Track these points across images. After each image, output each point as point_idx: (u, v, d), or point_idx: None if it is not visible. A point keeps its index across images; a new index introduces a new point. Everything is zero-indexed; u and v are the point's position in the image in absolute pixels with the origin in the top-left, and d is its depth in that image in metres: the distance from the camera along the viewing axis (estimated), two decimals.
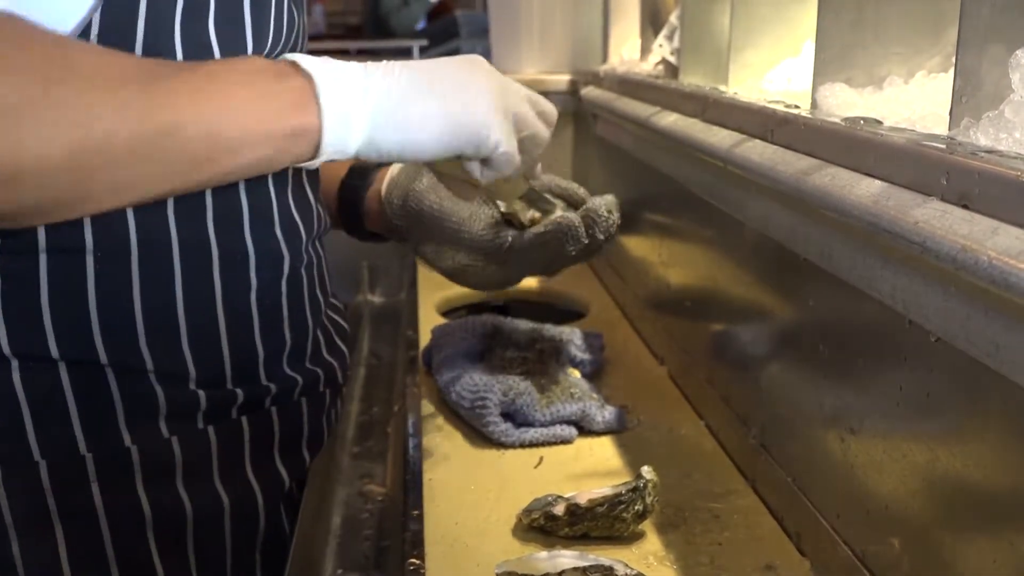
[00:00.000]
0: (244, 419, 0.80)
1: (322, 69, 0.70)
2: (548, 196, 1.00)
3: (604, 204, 0.96)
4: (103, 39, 0.67)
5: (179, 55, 0.69)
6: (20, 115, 0.58)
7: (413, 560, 0.75)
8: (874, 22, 0.74)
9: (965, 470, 0.56)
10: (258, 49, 0.74)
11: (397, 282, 1.77)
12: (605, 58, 1.64)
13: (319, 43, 4.04)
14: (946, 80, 0.67)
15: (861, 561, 0.68)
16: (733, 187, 0.90)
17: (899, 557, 0.63)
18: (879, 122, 0.66)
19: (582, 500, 0.78)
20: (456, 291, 1.36)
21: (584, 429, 0.99)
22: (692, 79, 1.11)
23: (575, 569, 0.71)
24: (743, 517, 0.83)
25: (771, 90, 0.96)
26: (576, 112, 1.79)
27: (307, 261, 0.83)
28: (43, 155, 0.58)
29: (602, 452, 0.96)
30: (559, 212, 0.98)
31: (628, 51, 1.58)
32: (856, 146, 0.64)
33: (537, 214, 0.97)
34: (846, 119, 0.68)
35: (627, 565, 0.72)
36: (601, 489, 0.79)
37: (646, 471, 0.79)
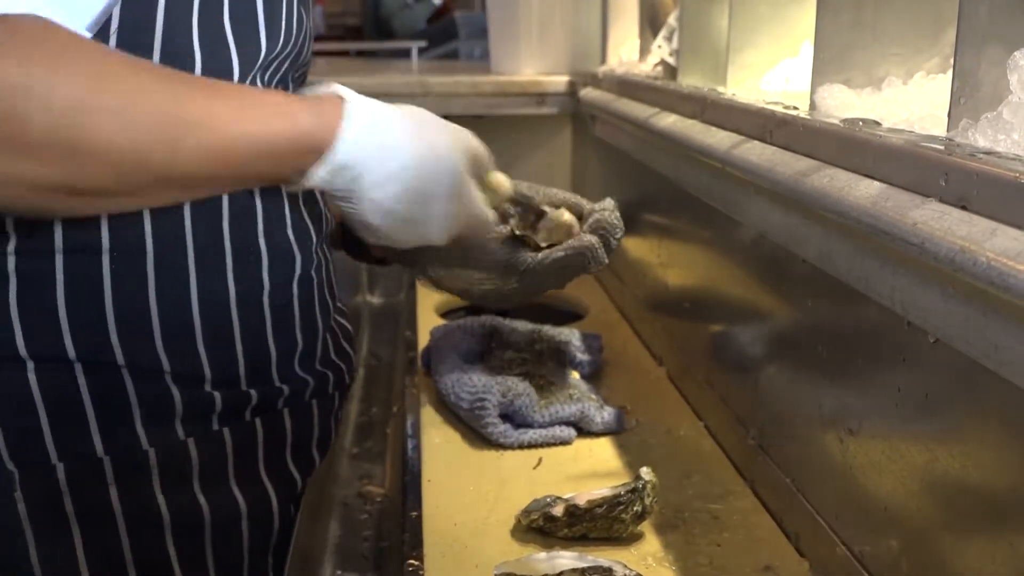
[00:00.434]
0: (257, 420, 0.80)
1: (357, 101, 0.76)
2: (528, 194, 1.00)
3: (610, 212, 0.96)
4: (123, 33, 0.68)
5: (197, 50, 0.71)
6: (80, 108, 0.64)
7: (412, 561, 0.75)
8: (873, 23, 0.74)
9: (964, 471, 0.56)
10: (270, 48, 0.75)
11: (396, 283, 1.77)
12: (604, 59, 1.64)
13: (318, 43, 4.02)
14: (944, 81, 0.67)
15: (860, 562, 0.68)
16: (732, 188, 0.90)
17: (898, 558, 0.63)
18: (878, 123, 0.66)
19: (581, 501, 0.78)
20: None
21: (583, 430, 0.99)
22: (691, 80, 1.11)
23: (574, 570, 0.71)
24: (742, 518, 0.83)
25: (769, 91, 0.96)
26: (575, 113, 1.79)
27: (317, 263, 0.84)
28: (94, 138, 0.64)
29: (601, 453, 0.96)
30: (563, 216, 0.98)
31: (627, 52, 1.58)
32: (855, 147, 0.64)
33: (552, 234, 0.97)
34: (845, 120, 0.68)
35: (626, 566, 0.72)
36: (600, 490, 0.79)
37: (645, 472, 0.79)
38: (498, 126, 1.92)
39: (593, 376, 1.13)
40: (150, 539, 0.75)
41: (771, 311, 0.86)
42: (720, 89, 0.98)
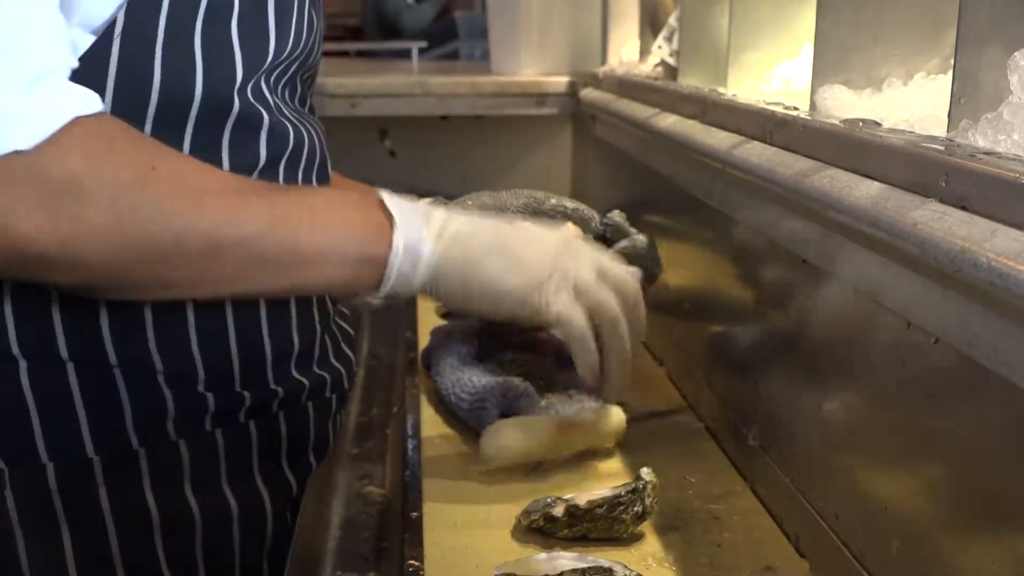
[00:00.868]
0: (252, 423, 0.80)
1: (403, 210, 0.74)
2: (620, 226, 1.02)
3: (642, 241, 1.00)
4: (125, 36, 0.68)
5: (199, 55, 0.71)
6: (114, 203, 0.63)
7: (412, 561, 0.75)
8: (873, 24, 0.74)
9: (964, 471, 0.56)
10: (279, 51, 0.75)
11: None
12: (604, 59, 1.64)
13: None
14: (945, 82, 0.67)
15: (860, 562, 0.68)
16: (732, 189, 0.90)
17: (898, 558, 0.63)
18: (878, 124, 0.66)
19: (581, 501, 0.78)
20: None
21: None
22: (691, 81, 1.11)
23: (574, 571, 0.70)
24: (742, 518, 0.83)
25: (770, 92, 0.96)
26: (575, 114, 1.79)
27: None
28: (118, 243, 0.64)
29: (601, 453, 0.96)
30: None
31: (627, 53, 1.58)
32: (855, 148, 0.64)
33: None
34: (845, 121, 0.68)
35: (626, 567, 0.72)
36: (600, 490, 0.79)
37: (645, 472, 0.79)
38: (498, 126, 1.92)
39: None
40: (139, 539, 0.75)
41: (771, 311, 0.86)
42: (720, 90, 0.98)
